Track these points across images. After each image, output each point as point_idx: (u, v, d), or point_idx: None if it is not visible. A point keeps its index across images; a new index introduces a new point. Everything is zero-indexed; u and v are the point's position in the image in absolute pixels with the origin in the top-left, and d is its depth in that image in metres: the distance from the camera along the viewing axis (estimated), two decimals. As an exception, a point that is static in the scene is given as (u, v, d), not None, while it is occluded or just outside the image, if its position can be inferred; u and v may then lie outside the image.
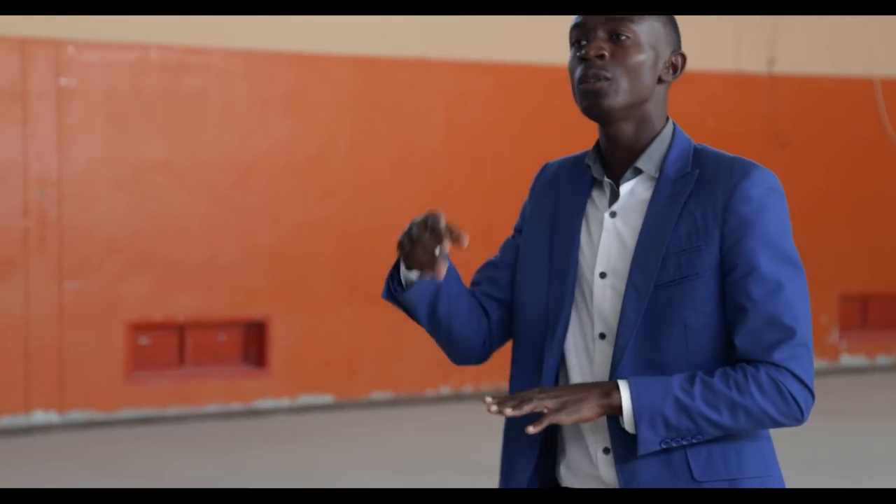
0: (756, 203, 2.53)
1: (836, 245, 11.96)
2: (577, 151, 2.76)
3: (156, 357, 9.59)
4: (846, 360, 12.08)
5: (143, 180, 9.36)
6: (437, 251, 2.56)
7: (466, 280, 2.83)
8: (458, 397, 10.31)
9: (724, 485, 2.53)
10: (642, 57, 2.60)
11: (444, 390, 10.36)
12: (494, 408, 2.45)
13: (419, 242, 2.57)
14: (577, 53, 2.62)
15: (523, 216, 2.79)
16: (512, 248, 2.80)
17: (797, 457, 8.33)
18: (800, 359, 2.50)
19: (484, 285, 2.81)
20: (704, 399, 2.46)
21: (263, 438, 8.99)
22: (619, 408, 2.48)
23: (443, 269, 2.55)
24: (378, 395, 10.10)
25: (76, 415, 9.17)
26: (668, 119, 2.70)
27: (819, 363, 11.90)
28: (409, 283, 2.69)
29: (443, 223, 2.54)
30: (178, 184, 9.47)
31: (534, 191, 2.79)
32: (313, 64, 9.90)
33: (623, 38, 2.59)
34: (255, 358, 9.88)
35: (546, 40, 9.69)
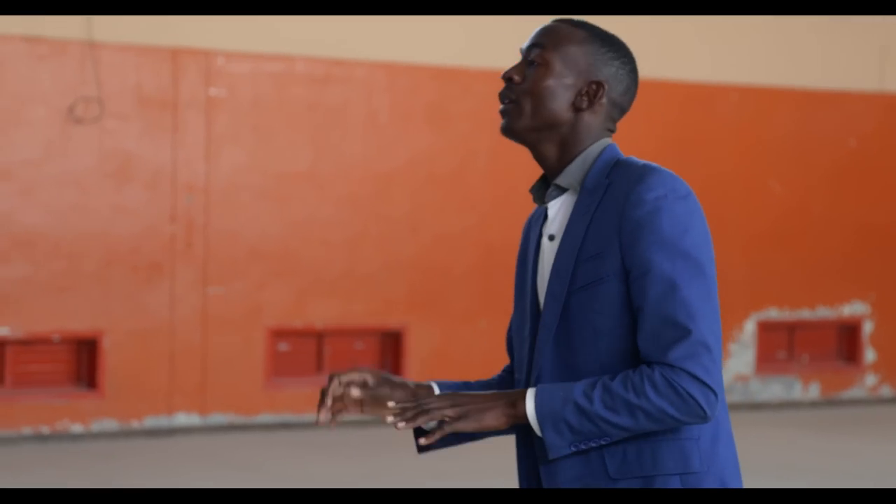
0: (649, 206, 2.54)
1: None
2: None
3: (295, 363, 9.74)
4: None
5: (287, 189, 9.53)
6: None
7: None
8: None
9: (638, 482, 2.56)
10: (548, 82, 2.67)
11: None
12: (390, 419, 2.55)
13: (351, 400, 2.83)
14: None
15: None
16: None
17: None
18: (696, 357, 2.49)
19: (510, 356, 2.91)
20: (603, 402, 2.49)
21: (398, 447, 9.08)
22: (524, 416, 2.54)
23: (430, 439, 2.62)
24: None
25: (217, 417, 9.36)
26: (600, 142, 2.71)
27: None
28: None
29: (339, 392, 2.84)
30: (320, 193, 9.63)
31: (520, 240, 2.89)
32: (454, 77, 10.00)
33: (535, 64, 2.69)
34: (391, 367, 9.99)
35: (679, 55, 9.68)
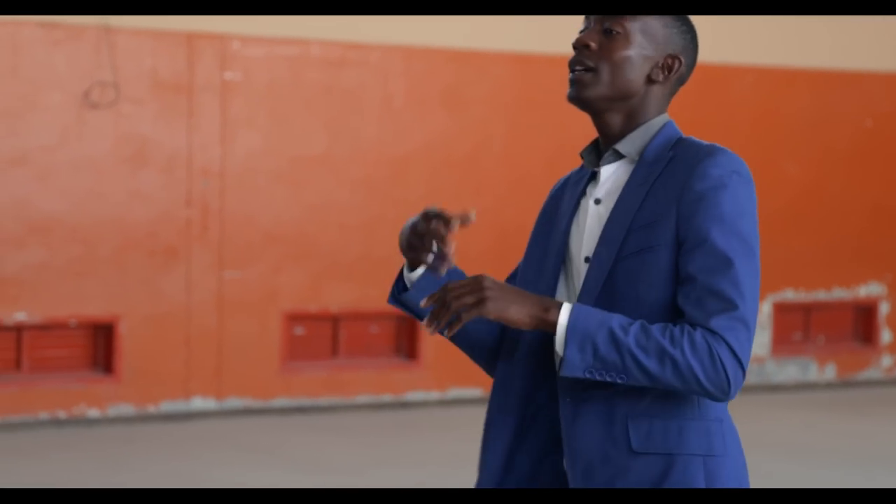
0: (714, 181, 2.54)
1: None
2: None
3: (310, 347, 9.76)
4: None
5: (303, 173, 9.54)
6: (441, 248, 2.66)
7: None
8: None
9: (660, 460, 2.53)
10: (628, 53, 2.65)
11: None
12: (430, 329, 2.53)
13: (426, 236, 2.70)
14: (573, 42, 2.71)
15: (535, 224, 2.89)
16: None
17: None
18: (736, 332, 2.48)
19: None
20: (637, 339, 2.46)
21: (413, 430, 9.10)
22: (553, 324, 2.50)
23: (443, 268, 2.61)
24: (527, 390, 10.14)
25: (233, 402, 9.39)
26: (663, 114, 2.72)
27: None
28: (411, 282, 2.77)
29: (443, 212, 2.71)
30: (335, 177, 9.63)
31: (545, 202, 2.89)
32: (470, 60, 9.99)
33: (613, 32, 2.66)
34: (406, 351, 10.00)
35: (710, 39, 9.62)
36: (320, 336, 9.82)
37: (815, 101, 10.92)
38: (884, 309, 11.40)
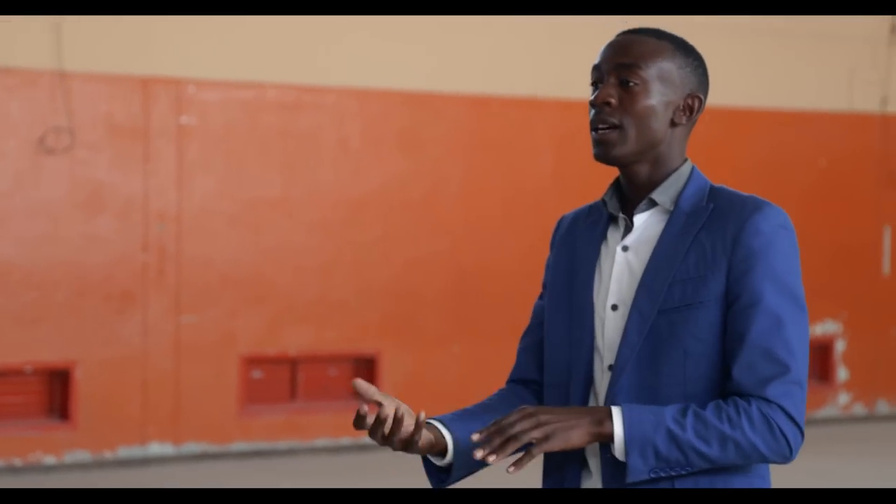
0: (765, 238, 2.53)
1: (950, 286, 11.81)
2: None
3: (268, 391, 9.72)
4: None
5: (259, 216, 9.52)
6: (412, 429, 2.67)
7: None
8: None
9: None
10: (651, 102, 2.61)
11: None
12: (480, 454, 2.46)
13: (397, 437, 2.70)
14: (591, 98, 2.66)
15: (547, 271, 2.84)
16: (540, 310, 2.84)
17: None
18: (792, 396, 2.49)
19: (523, 355, 2.84)
20: (696, 431, 2.46)
21: (373, 473, 9.07)
22: (611, 436, 2.48)
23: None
24: (486, 431, 10.13)
25: (191, 446, 9.33)
26: (686, 160, 2.70)
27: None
28: (448, 465, 2.72)
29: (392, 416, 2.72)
30: (292, 219, 9.62)
31: (553, 244, 2.84)
32: (426, 102, 10.01)
33: (631, 84, 2.60)
34: (365, 393, 9.96)
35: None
36: (278, 379, 9.78)
37: (769, 141, 11.00)
38: (839, 347, 11.45)
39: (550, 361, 2.72)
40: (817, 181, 11.27)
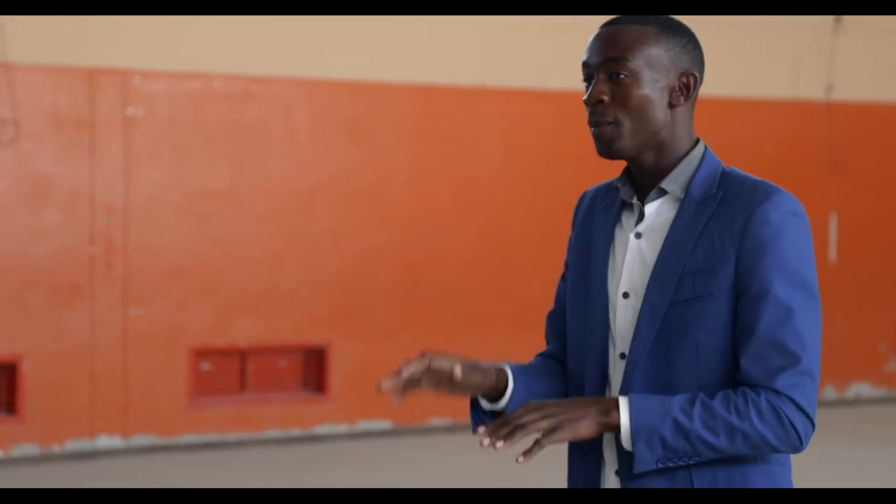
0: (774, 226, 2.51)
1: (894, 272, 11.92)
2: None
3: (218, 383, 9.69)
4: (906, 388, 12.03)
5: (207, 208, 9.48)
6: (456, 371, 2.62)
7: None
8: (517, 423, 10.34)
9: None
10: (644, 91, 2.59)
11: (503, 416, 10.41)
12: (486, 441, 2.46)
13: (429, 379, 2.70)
14: (584, 96, 2.64)
15: (569, 249, 2.81)
16: (563, 291, 2.82)
17: (853, 484, 8.31)
18: (802, 387, 2.48)
19: (553, 342, 2.84)
20: (703, 421, 2.45)
21: (322, 464, 9.06)
22: (618, 426, 2.48)
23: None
24: (436, 421, 10.16)
25: (140, 439, 9.29)
26: (697, 140, 2.67)
27: (877, 391, 11.86)
28: (495, 412, 2.70)
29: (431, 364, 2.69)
30: (240, 211, 9.59)
31: (575, 221, 2.82)
32: (374, 92, 10.00)
33: (621, 76, 2.58)
34: (314, 384, 9.97)
35: (575, 65, 9.71)
36: (228, 371, 9.75)
37: (714, 129, 11.04)
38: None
39: (570, 350, 2.73)
40: (763, 169, 11.31)
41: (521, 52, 10.44)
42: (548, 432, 2.46)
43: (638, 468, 2.48)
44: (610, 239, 2.68)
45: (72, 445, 9.11)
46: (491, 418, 2.69)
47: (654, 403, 2.47)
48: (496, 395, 2.66)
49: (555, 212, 10.35)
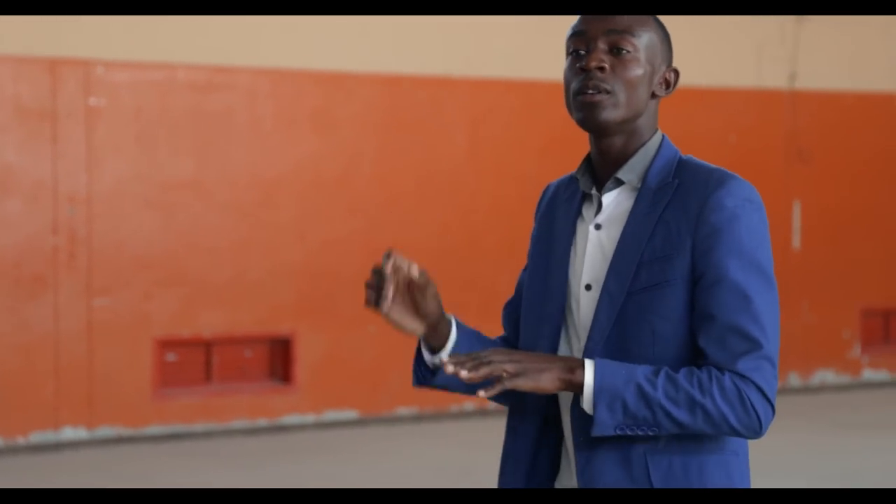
0: (728, 213, 2.51)
1: (858, 260, 11.98)
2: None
3: (183, 373, 9.67)
4: (868, 374, 12.10)
5: (171, 198, 9.45)
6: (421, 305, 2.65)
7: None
8: (483, 413, 10.37)
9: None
10: (640, 71, 2.59)
11: (469, 406, 10.42)
12: (451, 368, 2.44)
13: (388, 290, 2.68)
14: (577, 64, 2.61)
15: (531, 242, 2.82)
16: (523, 281, 2.82)
17: (819, 471, 8.36)
18: (763, 371, 2.48)
19: (508, 330, 2.85)
20: (665, 391, 2.45)
21: (289, 454, 9.06)
22: (581, 385, 2.47)
23: (448, 367, 2.50)
24: (403, 410, 10.16)
25: (105, 431, 9.26)
26: (656, 131, 2.68)
27: (841, 378, 11.92)
28: (436, 366, 2.69)
29: (391, 264, 2.68)
30: (205, 201, 9.56)
31: (537, 214, 2.82)
32: (339, 82, 9.98)
33: (624, 51, 2.58)
34: (281, 374, 9.95)
35: (543, 55, 9.72)
36: (193, 362, 9.73)
37: (678, 118, 11.07)
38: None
39: (522, 340, 2.73)
40: (727, 157, 11.36)
41: (487, 41, 10.44)
42: (511, 375, 2.46)
43: (596, 431, 2.47)
44: (571, 231, 2.68)
45: (36, 437, 9.07)
46: (431, 376, 2.70)
47: (619, 368, 2.47)
48: (437, 346, 2.67)
49: (521, 201, 10.36)
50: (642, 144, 2.64)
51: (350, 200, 10.02)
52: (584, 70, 2.59)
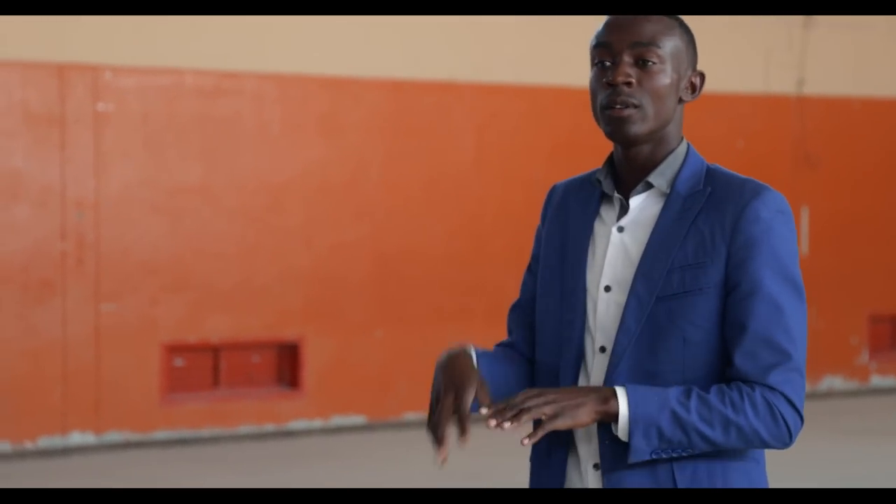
0: (764, 224, 2.53)
1: (865, 266, 11.97)
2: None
3: (191, 379, 9.67)
4: (876, 380, 12.08)
5: (179, 203, 9.46)
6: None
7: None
8: (490, 418, 10.35)
9: None
10: (668, 81, 2.60)
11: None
12: (493, 422, 2.44)
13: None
14: (604, 79, 2.60)
15: (538, 241, 2.81)
16: (531, 283, 2.81)
17: (827, 477, 8.35)
18: (793, 383, 2.50)
19: (516, 332, 2.83)
20: (699, 413, 2.46)
21: (297, 459, 9.05)
22: (616, 415, 2.48)
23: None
24: (410, 415, 10.15)
25: (113, 436, 9.26)
26: (682, 138, 2.69)
27: (849, 384, 11.90)
28: None
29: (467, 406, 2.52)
30: (212, 207, 9.57)
31: (545, 214, 2.81)
32: (345, 87, 9.99)
33: (650, 63, 2.58)
34: (288, 379, 9.95)
35: (576, 62, 9.72)
36: (201, 367, 9.73)
37: (687, 123, 11.01)
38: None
39: (541, 341, 2.72)
40: (735, 162, 11.29)
41: (493, 47, 10.44)
42: (550, 418, 2.45)
43: (633, 458, 2.48)
44: (589, 232, 2.67)
45: (44, 442, 9.07)
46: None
47: (652, 394, 2.48)
48: None
49: (527, 206, 10.35)
50: (671, 151, 2.64)
51: (357, 205, 10.02)
52: (611, 84, 2.58)
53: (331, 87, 9.94)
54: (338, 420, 9.95)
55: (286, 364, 9.95)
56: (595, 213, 2.68)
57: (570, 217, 2.73)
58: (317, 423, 9.89)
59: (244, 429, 9.66)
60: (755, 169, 11.45)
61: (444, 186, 10.29)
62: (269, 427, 9.74)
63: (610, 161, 2.70)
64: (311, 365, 9.86)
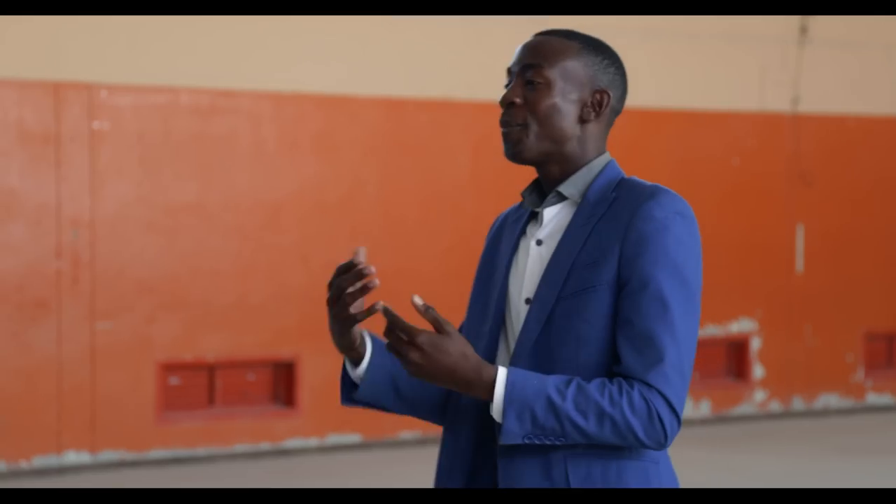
0: (658, 223, 2.55)
1: (861, 284, 11.97)
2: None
3: (186, 397, 9.66)
4: (872, 398, 12.07)
5: (174, 222, 9.45)
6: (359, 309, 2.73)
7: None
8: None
9: None
10: (554, 101, 2.65)
11: (472, 429, 10.39)
12: (381, 304, 2.62)
13: (344, 296, 2.77)
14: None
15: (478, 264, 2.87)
16: None
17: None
18: (672, 383, 2.50)
19: None
20: (575, 403, 2.47)
21: (292, 478, 9.04)
22: (490, 391, 2.51)
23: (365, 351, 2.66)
24: (406, 434, 10.14)
25: (108, 454, 9.24)
26: (603, 153, 2.74)
27: (844, 402, 11.90)
28: (361, 380, 2.77)
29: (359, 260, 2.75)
30: (208, 225, 9.56)
31: (486, 238, 2.88)
32: (341, 105, 9.99)
33: (535, 83, 2.65)
34: (283, 398, 9.94)
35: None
36: (196, 385, 9.72)
37: (682, 141, 11.08)
38: (755, 345, 11.57)
39: None
40: (730, 180, 11.37)
41: (489, 64, 10.43)
42: (417, 368, 2.53)
43: (504, 440, 2.50)
44: (514, 248, 2.73)
45: (39, 461, 9.05)
46: (353, 390, 2.78)
47: (532, 379, 2.49)
48: (356, 361, 2.81)
49: (523, 224, 10.36)
50: (584, 165, 2.69)
51: (353, 223, 10.02)
52: (501, 104, 2.71)
53: (326, 105, 9.94)
54: (333, 438, 9.94)
55: (282, 382, 9.94)
56: (521, 231, 2.74)
57: (502, 238, 2.80)
58: (312, 441, 9.87)
59: (240, 447, 9.64)
60: (750, 187, 11.47)
61: (440, 204, 10.29)
62: (265, 445, 9.72)
63: (537, 179, 2.78)
64: (307, 383, 9.85)
